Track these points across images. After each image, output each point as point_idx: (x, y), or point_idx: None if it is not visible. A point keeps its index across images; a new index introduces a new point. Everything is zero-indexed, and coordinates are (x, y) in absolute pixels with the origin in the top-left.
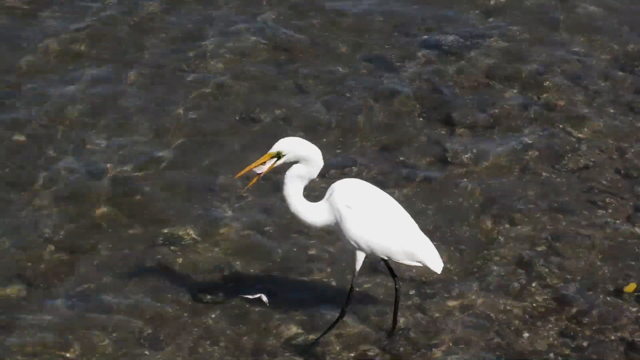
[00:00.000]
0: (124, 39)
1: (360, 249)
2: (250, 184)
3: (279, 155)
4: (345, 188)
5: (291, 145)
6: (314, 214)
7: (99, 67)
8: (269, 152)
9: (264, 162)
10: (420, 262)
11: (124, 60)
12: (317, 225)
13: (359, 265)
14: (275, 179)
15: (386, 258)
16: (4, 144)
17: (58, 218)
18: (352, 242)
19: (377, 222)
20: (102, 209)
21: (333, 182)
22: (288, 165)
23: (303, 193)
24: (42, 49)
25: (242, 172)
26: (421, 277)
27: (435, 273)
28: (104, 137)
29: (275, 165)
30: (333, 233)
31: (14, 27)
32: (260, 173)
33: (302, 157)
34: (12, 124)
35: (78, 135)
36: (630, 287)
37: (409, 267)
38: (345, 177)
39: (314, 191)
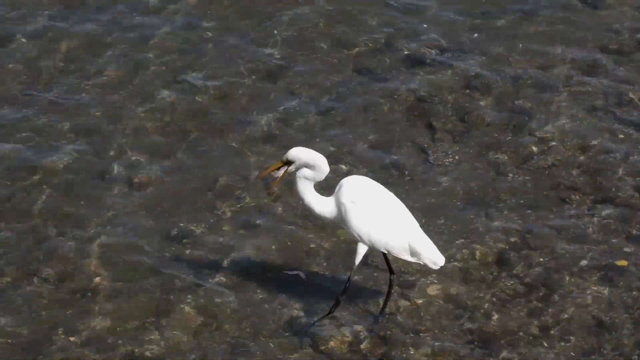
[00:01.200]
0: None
1: (363, 241)
2: (274, 185)
3: (289, 163)
4: (351, 184)
5: (300, 154)
6: (323, 206)
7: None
8: (281, 159)
9: (278, 168)
10: (418, 257)
11: (129, 65)
12: (326, 217)
13: (359, 258)
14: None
15: (386, 252)
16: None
17: (74, 213)
18: (355, 235)
19: (378, 217)
20: (115, 202)
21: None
22: (300, 168)
23: (317, 188)
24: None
25: (262, 175)
26: (405, 267)
27: (433, 269)
28: (121, 140)
29: (288, 171)
30: (340, 226)
31: None
32: (277, 177)
33: (310, 164)
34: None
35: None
36: (622, 262)
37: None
38: (335, 175)
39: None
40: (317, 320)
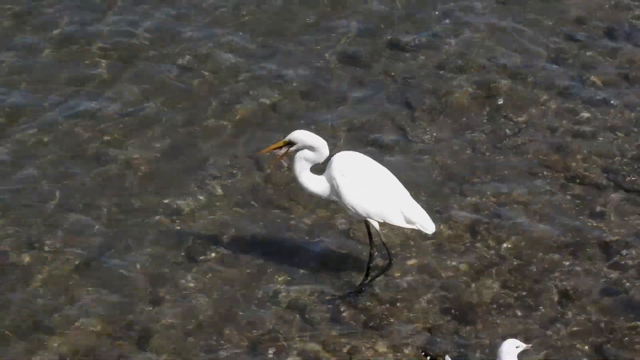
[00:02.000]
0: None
1: (357, 214)
2: (273, 162)
3: (291, 144)
4: (341, 159)
5: (301, 136)
6: (316, 185)
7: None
8: (283, 140)
9: (280, 147)
10: (414, 224)
11: (127, 55)
12: (319, 194)
13: (380, 232)
14: (260, 160)
15: (382, 221)
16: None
17: (71, 187)
18: (350, 208)
19: (370, 188)
20: (109, 181)
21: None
22: (301, 149)
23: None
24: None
25: (264, 151)
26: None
27: (427, 234)
28: (115, 115)
29: (289, 151)
30: (334, 203)
31: None
32: (277, 155)
33: (311, 147)
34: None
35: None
36: None
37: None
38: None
39: None
40: (349, 292)
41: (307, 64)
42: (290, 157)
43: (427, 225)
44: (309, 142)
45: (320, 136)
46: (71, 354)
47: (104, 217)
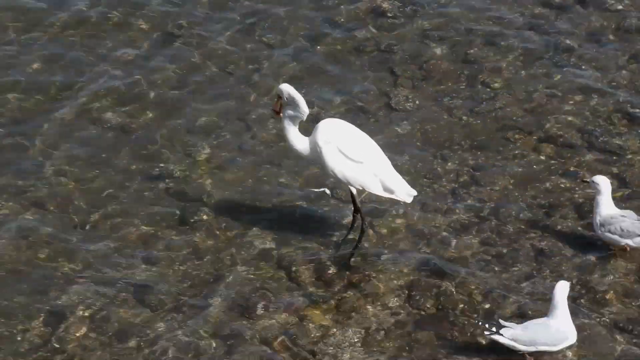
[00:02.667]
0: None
1: (338, 179)
2: (276, 115)
3: (279, 96)
4: (326, 126)
5: (285, 88)
6: (301, 144)
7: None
8: (276, 94)
9: (276, 101)
10: (392, 193)
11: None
12: (303, 154)
13: (357, 199)
14: (250, 121)
15: (360, 188)
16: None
17: (71, 156)
18: (330, 173)
19: (351, 156)
20: (106, 148)
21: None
22: (285, 105)
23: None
24: None
25: (274, 109)
26: (373, 200)
27: (406, 203)
28: (104, 87)
29: (280, 102)
30: (316, 165)
31: None
32: (276, 109)
33: (292, 100)
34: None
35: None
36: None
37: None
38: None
39: None
40: (350, 255)
41: (293, 33)
42: (269, 115)
43: (406, 196)
44: (289, 94)
45: (309, 101)
46: (82, 305)
47: (101, 179)
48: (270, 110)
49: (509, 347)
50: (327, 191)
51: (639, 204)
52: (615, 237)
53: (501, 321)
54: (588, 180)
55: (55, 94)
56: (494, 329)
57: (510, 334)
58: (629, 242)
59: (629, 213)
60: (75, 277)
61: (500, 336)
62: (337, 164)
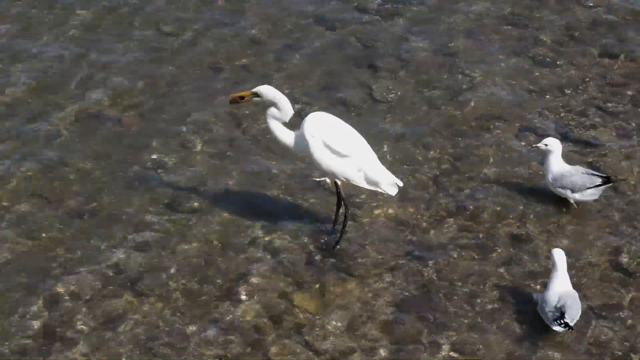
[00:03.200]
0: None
1: (324, 172)
2: (235, 101)
3: (256, 95)
4: (313, 120)
5: (267, 91)
6: (288, 139)
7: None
8: (252, 90)
9: (246, 95)
10: (377, 186)
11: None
12: (288, 146)
13: (341, 190)
14: (240, 114)
15: (345, 180)
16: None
17: (66, 147)
18: (317, 166)
19: (338, 149)
20: (100, 141)
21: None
22: (268, 105)
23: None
24: None
25: (233, 95)
26: (353, 190)
27: (390, 196)
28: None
29: (252, 100)
30: (303, 158)
31: None
32: (242, 101)
33: (275, 103)
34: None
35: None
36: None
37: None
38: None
39: None
40: (335, 243)
41: (278, 27)
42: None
43: (391, 187)
44: (272, 96)
45: (293, 95)
46: (77, 291)
47: (96, 169)
48: (233, 97)
49: None
50: (328, 180)
51: (612, 192)
52: (567, 191)
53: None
54: (539, 144)
55: (50, 88)
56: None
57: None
58: (578, 196)
59: (577, 168)
60: (70, 264)
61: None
62: (324, 157)
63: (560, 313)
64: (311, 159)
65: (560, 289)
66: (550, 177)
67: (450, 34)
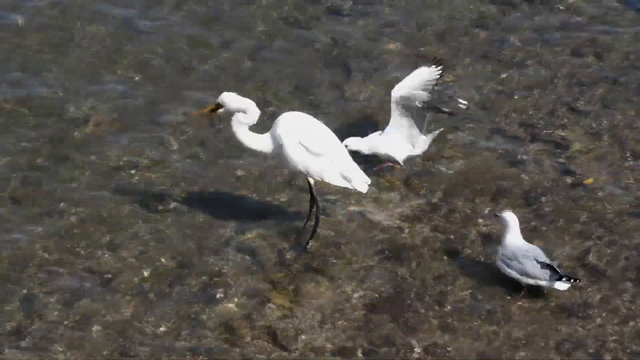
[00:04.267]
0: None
1: (299, 171)
2: (204, 121)
3: (219, 106)
4: (286, 119)
5: (229, 99)
6: (259, 143)
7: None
8: (214, 102)
9: (211, 110)
10: (350, 182)
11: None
12: (263, 152)
13: (313, 189)
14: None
15: (319, 179)
16: None
17: (40, 149)
18: (292, 165)
19: (312, 148)
20: (72, 142)
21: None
22: (233, 112)
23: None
24: None
25: (196, 113)
26: (328, 189)
27: (361, 192)
28: (73, 85)
29: (218, 112)
30: (275, 159)
31: None
32: (207, 116)
33: (240, 109)
34: None
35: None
36: (589, 180)
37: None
38: (265, 114)
39: None
40: (307, 242)
41: (252, 29)
42: (226, 120)
43: (362, 184)
44: (236, 104)
45: (265, 96)
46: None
47: (71, 170)
48: (199, 115)
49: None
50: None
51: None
52: (514, 273)
53: None
54: (498, 215)
55: (23, 84)
56: None
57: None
58: (530, 281)
59: (535, 251)
60: (45, 264)
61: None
62: (299, 156)
63: (552, 270)
64: (286, 158)
65: (528, 246)
66: (500, 251)
67: (421, 36)
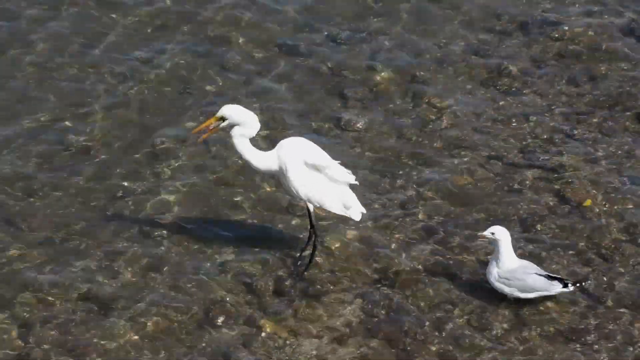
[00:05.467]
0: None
1: (299, 197)
2: (203, 137)
3: (223, 119)
4: (291, 145)
5: (232, 111)
6: (260, 160)
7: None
8: (215, 115)
9: (212, 123)
10: (347, 210)
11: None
12: (261, 169)
13: (312, 215)
14: (210, 140)
15: (318, 205)
16: None
17: (38, 177)
18: (294, 190)
19: (317, 162)
20: (68, 168)
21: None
22: (233, 125)
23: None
24: None
25: (197, 129)
26: (322, 216)
27: (355, 220)
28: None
29: (221, 126)
30: (274, 178)
31: None
32: (209, 129)
33: (241, 121)
34: None
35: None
36: (587, 202)
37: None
38: (262, 142)
39: None
40: (304, 269)
41: (249, 55)
42: (225, 133)
43: (357, 215)
44: (238, 116)
45: (262, 123)
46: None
47: (65, 197)
48: (201, 130)
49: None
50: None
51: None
52: (513, 290)
53: None
54: (485, 233)
55: (17, 112)
56: None
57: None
58: (521, 295)
59: (531, 266)
60: (41, 291)
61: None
62: (301, 183)
63: (558, 280)
64: (289, 183)
65: (522, 262)
66: (495, 270)
67: (418, 63)
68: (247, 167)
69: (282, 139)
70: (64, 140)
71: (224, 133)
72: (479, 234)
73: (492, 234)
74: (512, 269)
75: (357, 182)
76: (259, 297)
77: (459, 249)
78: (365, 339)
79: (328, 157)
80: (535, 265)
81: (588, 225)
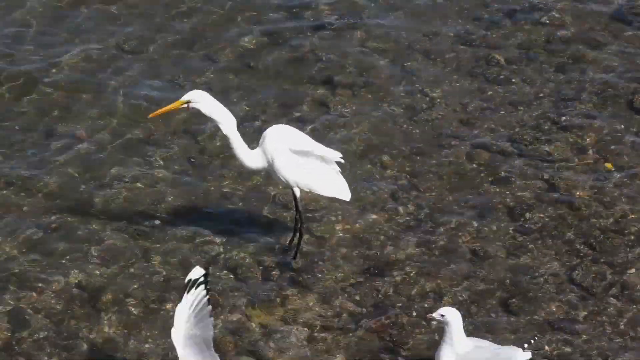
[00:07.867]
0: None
1: (288, 184)
2: (152, 115)
3: (188, 102)
4: (274, 133)
5: (197, 96)
6: (251, 159)
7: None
8: (180, 99)
9: (177, 108)
10: (334, 194)
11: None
12: (253, 168)
13: (298, 201)
14: (195, 134)
15: (307, 190)
16: None
17: (26, 169)
18: (282, 178)
19: (301, 160)
20: (60, 161)
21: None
22: (206, 119)
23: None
24: None
25: (157, 113)
26: (313, 204)
27: (344, 200)
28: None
29: (185, 106)
30: (268, 174)
31: None
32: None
33: (209, 111)
34: None
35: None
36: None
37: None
38: (251, 130)
39: None
40: (293, 256)
41: (236, 43)
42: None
43: (345, 194)
44: (207, 106)
45: (250, 111)
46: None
47: (54, 185)
48: (154, 115)
49: None
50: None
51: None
52: None
53: None
54: (434, 315)
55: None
56: None
57: None
58: None
59: (486, 344)
60: (29, 280)
61: None
62: (289, 169)
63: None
64: (277, 171)
65: (474, 341)
66: (450, 354)
67: (407, 53)
68: (235, 157)
69: (267, 127)
70: (52, 131)
71: (213, 126)
72: (428, 315)
73: (442, 315)
74: (468, 351)
75: (342, 160)
76: (248, 287)
77: (447, 238)
78: (353, 329)
79: (312, 140)
80: (486, 341)
81: (577, 214)
